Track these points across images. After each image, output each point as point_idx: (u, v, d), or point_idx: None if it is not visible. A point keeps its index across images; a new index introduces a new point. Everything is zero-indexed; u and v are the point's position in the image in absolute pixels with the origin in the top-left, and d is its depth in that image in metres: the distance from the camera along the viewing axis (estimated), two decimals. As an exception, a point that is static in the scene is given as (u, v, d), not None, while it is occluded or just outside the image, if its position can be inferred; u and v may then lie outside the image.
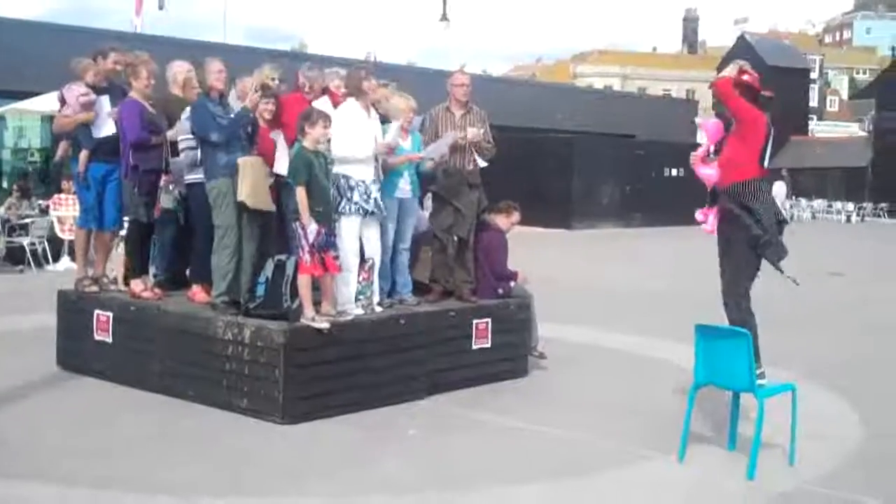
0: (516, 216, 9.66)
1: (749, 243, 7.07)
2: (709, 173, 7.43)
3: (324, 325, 7.51)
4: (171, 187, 8.85)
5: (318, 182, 7.58)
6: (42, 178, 24.08)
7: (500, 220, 9.52)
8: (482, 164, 9.10)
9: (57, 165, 17.06)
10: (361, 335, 7.89)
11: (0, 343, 10.32)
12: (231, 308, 8.04)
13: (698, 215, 7.63)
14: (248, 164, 8.09)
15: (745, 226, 7.04)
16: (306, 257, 7.49)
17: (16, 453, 6.59)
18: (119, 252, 9.60)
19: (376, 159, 8.26)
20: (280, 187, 8.33)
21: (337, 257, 7.73)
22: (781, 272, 7.18)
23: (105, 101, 8.99)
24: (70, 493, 5.85)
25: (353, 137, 8.04)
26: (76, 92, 8.99)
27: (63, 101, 9.12)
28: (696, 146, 7.67)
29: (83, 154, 8.98)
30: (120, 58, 9.07)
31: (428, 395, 8.27)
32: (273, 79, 8.72)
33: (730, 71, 7.19)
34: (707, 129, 7.60)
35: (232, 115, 8.20)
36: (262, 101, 8.27)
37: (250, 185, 8.03)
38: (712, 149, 7.57)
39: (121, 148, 8.78)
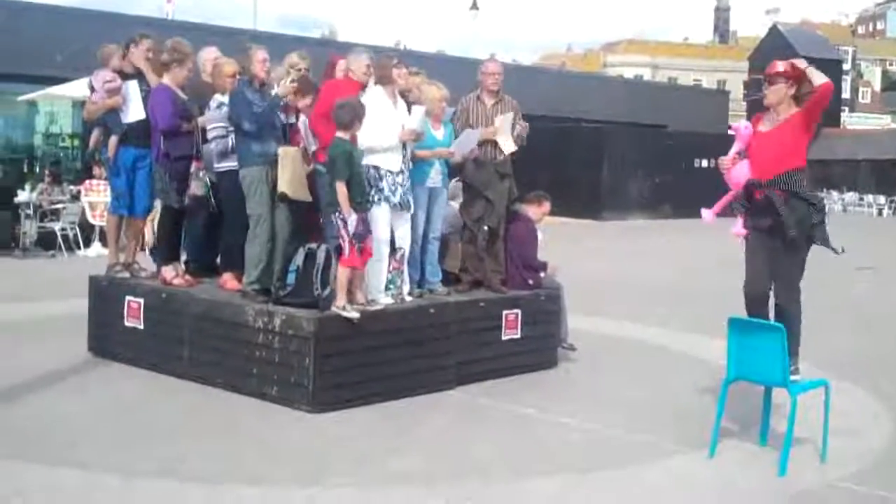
0: (547, 206, 9.62)
1: (803, 234, 6.95)
2: (742, 172, 7.26)
3: (353, 314, 7.51)
4: (201, 174, 8.86)
5: (357, 173, 7.57)
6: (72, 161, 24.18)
7: (531, 211, 9.49)
8: (512, 148, 9.01)
9: (90, 154, 17.16)
10: (391, 324, 7.89)
11: (32, 328, 10.40)
12: (261, 296, 8.05)
13: (707, 215, 7.44)
14: (288, 155, 8.09)
15: (802, 216, 6.92)
16: (347, 249, 7.48)
17: (46, 439, 6.63)
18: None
19: (405, 147, 8.22)
20: (314, 177, 8.30)
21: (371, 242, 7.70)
22: (833, 249, 7.14)
23: (133, 85, 8.98)
24: (99, 479, 5.87)
25: (379, 127, 7.97)
26: (102, 78, 9.02)
27: (93, 89, 9.17)
28: (728, 138, 7.50)
29: (112, 140, 9.02)
30: (154, 46, 9.07)
31: (457, 385, 8.26)
32: (300, 69, 8.61)
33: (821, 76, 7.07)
34: (740, 133, 7.41)
35: (268, 101, 8.17)
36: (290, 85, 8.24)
37: (290, 175, 8.03)
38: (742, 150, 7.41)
39: (152, 134, 8.81)
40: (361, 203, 7.54)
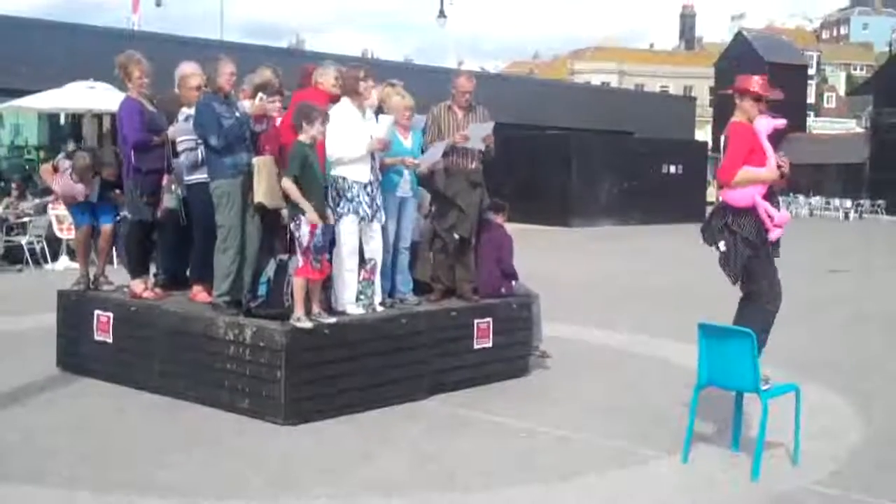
0: (505, 214, 9.61)
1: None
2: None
3: (307, 324, 7.48)
4: (173, 187, 8.80)
5: (312, 175, 7.55)
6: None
7: (499, 219, 9.48)
8: (481, 146, 8.98)
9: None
10: (363, 335, 7.87)
11: (-1, 343, 10.30)
12: (232, 308, 8.00)
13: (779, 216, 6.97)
14: (262, 165, 8.05)
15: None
16: (301, 260, 7.47)
17: (16, 455, 6.56)
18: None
19: (373, 157, 8.20)
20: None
21: (329, 259, 7.68)
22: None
23: (96, 181, 9.07)
24: (72, 495, 5.82)
25: (346, 138, 7.96)
26: (73, 192, 9.13)
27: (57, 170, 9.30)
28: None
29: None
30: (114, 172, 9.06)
31: (430, 395, 8.25)
32: (262, 97, 8.43)
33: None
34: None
35: (237, 115, 8.13)
36: (266, 101, 8.21)
37: (266, 185, 7.99)
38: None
39: (121, 148, 8.76)
40: (314, 207, 7.50)
